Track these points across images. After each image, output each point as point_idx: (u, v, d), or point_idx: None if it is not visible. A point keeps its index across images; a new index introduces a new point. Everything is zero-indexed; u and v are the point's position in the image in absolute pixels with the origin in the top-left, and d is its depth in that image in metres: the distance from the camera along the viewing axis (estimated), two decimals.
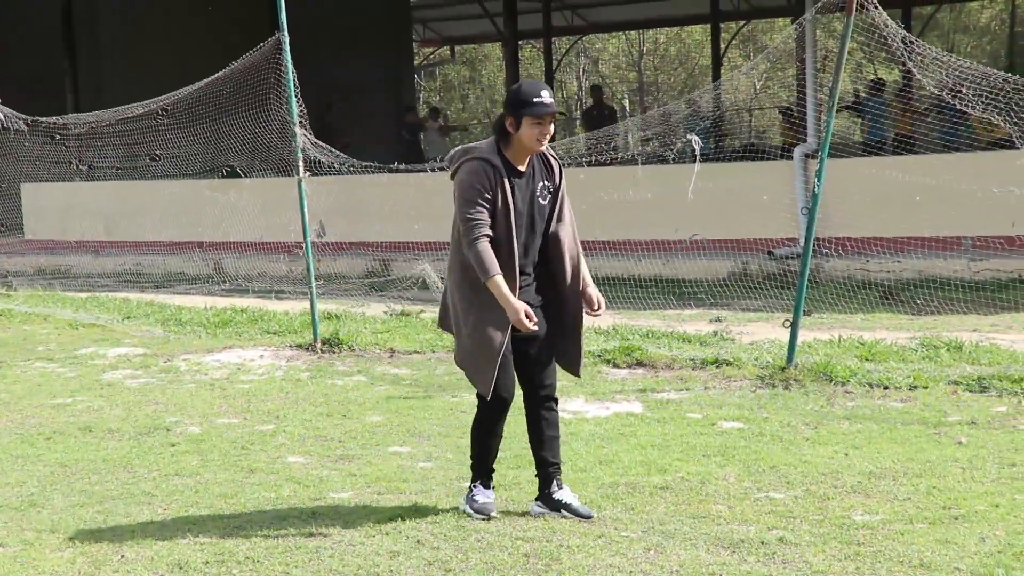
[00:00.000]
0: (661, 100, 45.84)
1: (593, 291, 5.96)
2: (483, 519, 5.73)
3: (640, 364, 9.44)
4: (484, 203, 5.59)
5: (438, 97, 50.27)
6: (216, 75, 12.44)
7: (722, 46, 30.77)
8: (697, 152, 10.70)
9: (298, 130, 11.00)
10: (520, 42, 29.68)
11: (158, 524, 5.84)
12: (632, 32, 44.80)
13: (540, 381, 5.89)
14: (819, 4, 9.28)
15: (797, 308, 8.85)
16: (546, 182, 5.79)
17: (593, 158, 12.13)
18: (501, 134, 5.70)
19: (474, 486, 5.90)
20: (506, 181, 5.62)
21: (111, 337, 11.90)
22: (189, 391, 9.23)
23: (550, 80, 32.18)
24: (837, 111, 9.13)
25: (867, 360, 8.97)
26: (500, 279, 5.54)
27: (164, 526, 5.81)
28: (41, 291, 15.69)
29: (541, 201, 5.76)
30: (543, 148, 5.74)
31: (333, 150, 11.89)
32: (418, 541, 5.46)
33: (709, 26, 31.36)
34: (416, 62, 35.10)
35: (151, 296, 14.90)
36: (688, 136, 10.82)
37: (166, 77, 15.08)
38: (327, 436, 7.60)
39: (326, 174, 12.65)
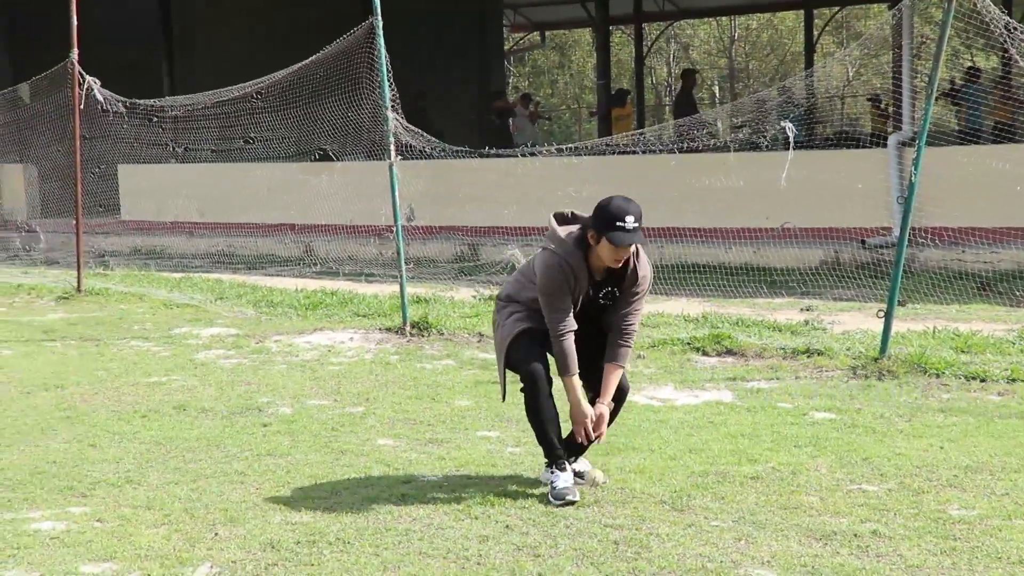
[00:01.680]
0: (752, 87, 45.40)
1: (603, 408, 5.87)
2: (562, 504, 5.72)
3: (730, 352, 9.36)
4: (568, 300, 5.71)
5: (527, 82, 50.24)
6: (309, 59, 12.52)
7: (815, 33, 30.35)
8: (791, 139, 10.55)
9: (390, 114, 11.04)
10: (611, 27, 29.53)
11: (250, 503, 5.90)
12: (724, 18, 44.39)
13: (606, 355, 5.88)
14: None
15: (891, 298, 8.70)
16: (613, 288, 5.81)
17: (685, 144, 12.02)
18: (582, 243, 5.72)
19: (550, 472, 5.93)
20: (579, 284, 5.71)
21: (204, 317, 12.07)
22: (280, 372, 9.32)
23: (640, 67, 32.00)
24: (934, 99, 8.94)
25: (963, 352, 8.79)
26: (576, 380, 5.79)
27: (256, 505, 5.87)
28: (136, 271, 15.96)
29: (601, 301, 5.84)
30: (618, 266, 5.72)
31: (425, 134, 11.90)
32: (507, 526, 5.46)
33: (802, 12, 30.96)
34: (506, 47, 35.07)
35: (243, 277, 15.08)
36: (781, 123, 10.68)
37: (259, 61, 15.21)
38: (416, 419, 7.63)
39: (417, 158, 12.68)
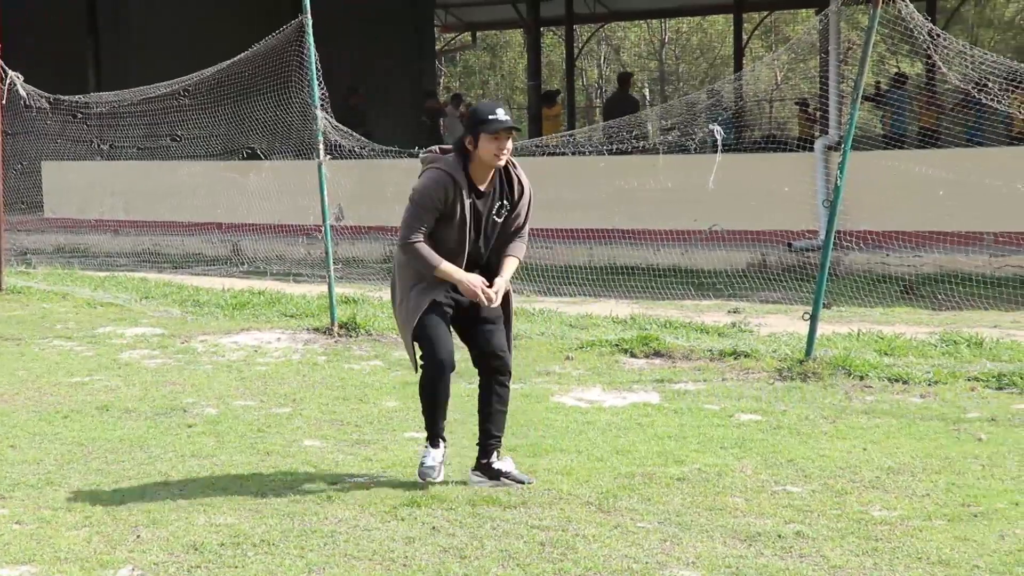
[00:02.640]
0: (682, 90, 45.73)
1: (500, 282, 6.09)
2: (421, 480, 6.06)
3: (658, 354, 9.41)
4: (430, 214, 5.97)
5: (459, 83, 50.20)
6: (238, 56, 12.42)
7: (744, 37, 30.64)
8: (719, 142, 10.65)
9: (319, 113, 10.98)
10: (542, 28, 29.61)
11: (174, 505, 5.84)
12: (654, 21, 44.67)
13: (491, 354, 6.12)
14: None
15: (817, 301, 8.80)
16: (505, 201, 6.09)
17: (615, 147, 12.08)
18: (461, 152, 5.99)
19: (424, 447, 6.21)
20: (464, 196, 5.94)
21: (129, 317, 11.92)
22: (206, 372, 9.23)
23: (571, 68, 32.12)
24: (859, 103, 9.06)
25: (886, 355, 8.92)
26: (446, 265, 5.96)
27: (180, 507, 5.80)
28: (60, 269, 15.72)
29: (496, 218, 6.09)
30: (501, 163, 5.97)
31: (354, 134, 11.87)
32: (433, 528, 5.44)
33: (731, 16, 31.25)
34: (437, 47, 35.03)
35: (169, 276, 14.92)
36: (710, 126, 10.77)
37: (188, 58, 15.07)
38: (343, 420, 7.60)
39: (346, 158, 12.62)
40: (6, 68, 13.80)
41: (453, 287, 6.03)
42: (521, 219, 6.15)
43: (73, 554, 5.18)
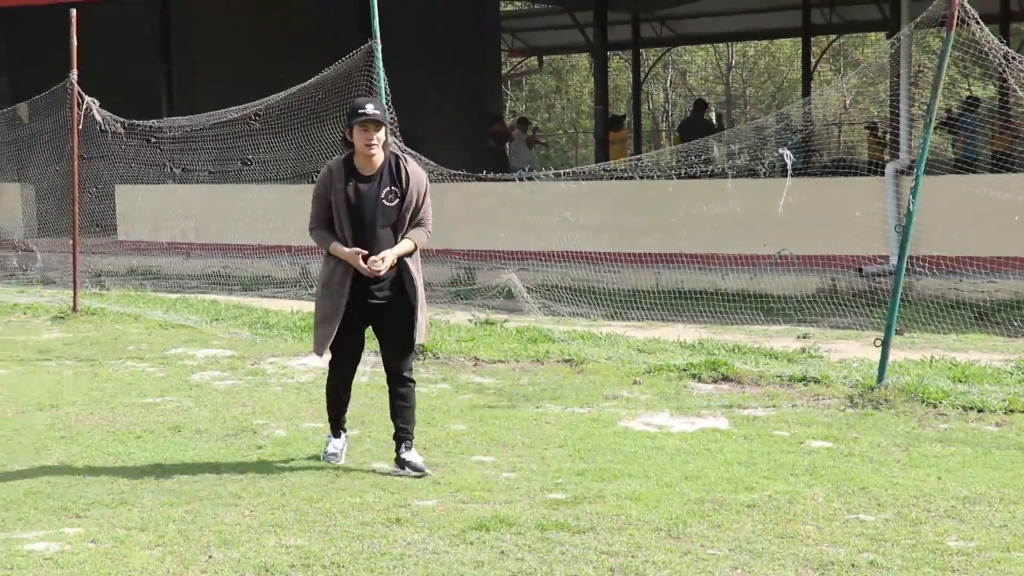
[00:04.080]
0: (749, 114, 45.52)
1: (387, 252, 6.79)
2: (332, 464, 7.00)
3: (726, 379, 9.34)
4: (320, 202, 6.90)
5: (524, 107, 50.34)
6: (308, 81, 12.55)
7: (812, 60, 30.45)
8: (788, 166, 10.57)
9: (389, 137, 11.03)
10: (608, 53, 29.61)
11: (245, 526, 5.88)
12: (721, 44, 44.55)
13: (394, 364, 7.08)
14: (918, 19, 9.12)
15: (889, 326, 8.70)
16: (393, 186, 6.83)
17: (684, 171, 12.04)
18: (346, 144, 6.89)
19: (328, 437, 7.26)
20: (338, 183, 6.80)
21: (200, 338, 12.05)
22: (275, 394, 9.30)
23: (637, 92, 32.10)
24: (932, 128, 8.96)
25: (960, 382, 8.79)
26: (335, 244, 6.82)
27: (251, 528, 5.84)
28: (132, 291, 15.93)
29: (386, 203, 6.82)
30: (374, 152, 6.73)
31: (422, 157, 11.91)
32: (502, 552, 5.43)
33: (799, 40, 31.07)
34: (504, 72, 35.18)
35: (239, 299, 15.06)
36: (780, 150, 10.70)
37: (258, 83, 15.24)
38: None
39: None
40: (83, 94, 14.05)
41: (353, 288, 6.82)
42: (420, 209, 6.90)
43: (147, 574, 5.23)
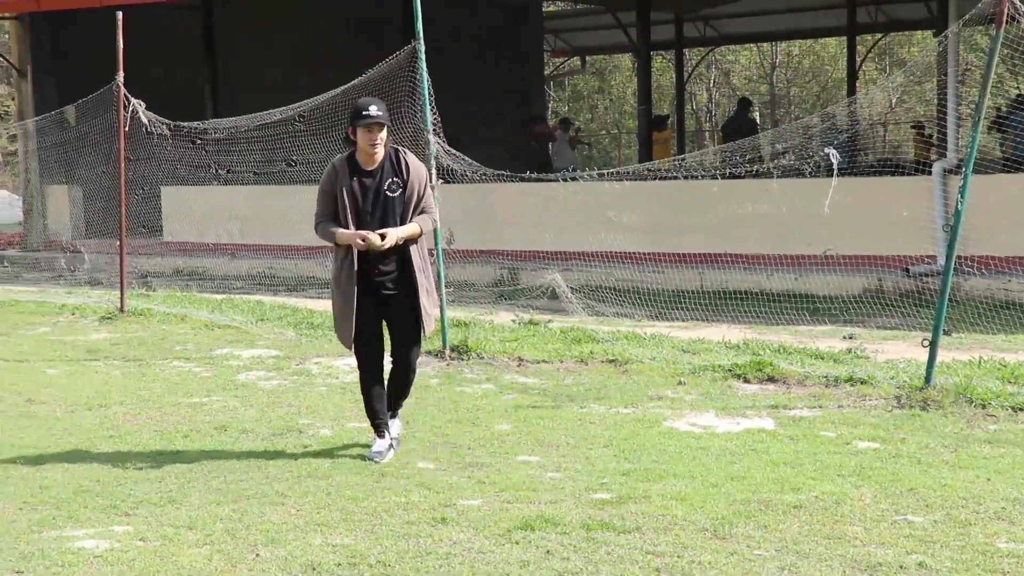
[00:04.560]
0: (793, 114, 45.27)
1: (391, 230, 7.11)
2: (370, 461, 7.16)
3: (771, 380, 9.30)
4: (325, 198, 7.28)
5: (567, 107, 50.32)
6: (352, 82, 12.59)
7: (857, 59, 30.24)
8: (834, 166, 10.50)
9: (432, 138, 11.08)
10: (651, 53, 29.54)
11: (291, 525, 5.92)
12: (765, 44, 44.34)
13: (402, 354, 7.43)
14: (966, 17, 9.03)
15: (936, 327, 8.62)
16: (395, 178, 7.21)
17: (728, 170, 11.99)
18: (348, 142, 7.30)
19: (373, 437, 7.46)
20: (344, 179, 7.19)
21: (245, 339, 12.13)
22: (320, 394, 9.36)
23: (680, 92, 32.01)
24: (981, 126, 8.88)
25: (1009, 382, 8.70)
26: (340, 231, 7.14)
27: (297, 527, 5.88)
28: (179, 292, 16.06)
29: (389, 193, 7.19)
30: (376, 151, 7.14)
31: (466, 158, 11.93)
32: (548, 551, 5.44)
33: (844, 39, 30.87)
34: (546, 72, 35.17)
35: (284, 299, 15.15)
36: (825, 150, 10.63)
37: (302, 85, 15.32)
38: (456, 443, 7.64)
39: (458, 182, 12.71)
40: (129, 96, 14.17)
41: (362, 281, 7.15)
42: (423, 199, 7.27)
43: (195, 572, 5.28)
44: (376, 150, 7.16)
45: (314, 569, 5.28)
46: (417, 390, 9.32)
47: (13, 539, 5.76)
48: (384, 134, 7.17)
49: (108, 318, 13.77)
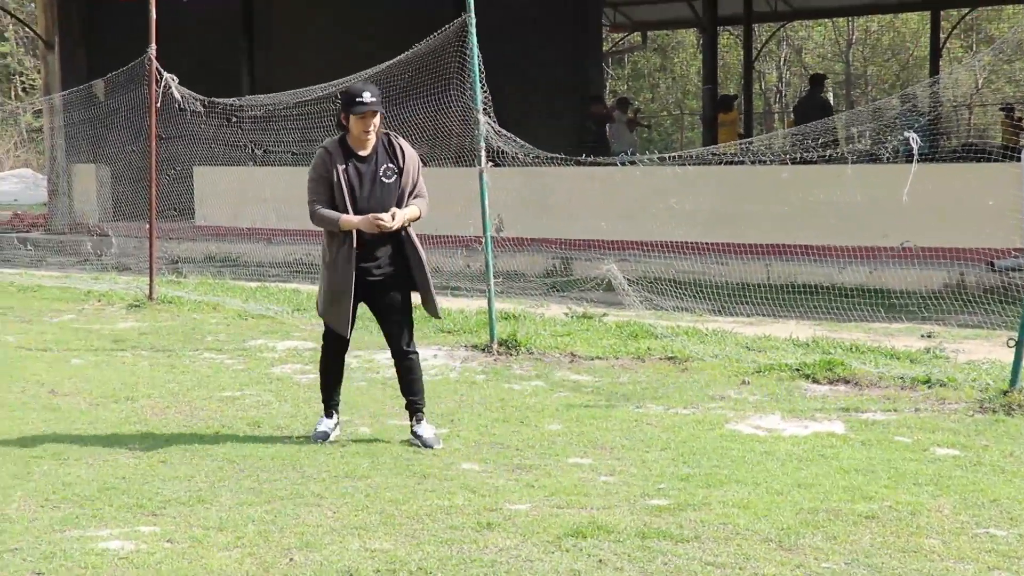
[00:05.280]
0: (870, 94, 44.91)
1: (397, 211, 7.47)
2: (318, 443, 7.61)
3: (843, 380, 9.25)
4: (320, 183, 7.58)
5: (626, 86, 50.20)
6: (398, 57, 12.62)
7: (941, 36, 29.94)
8: (914, 151, 10.40)
9: (481, 117, 11.08)
10: (718, 28, 29.41)
11: (327, 528, 5.95)
12: (841, 20, 43.99)
13: (398, 340, 7.76)
14: None
15: (1023, 326, 8.53)
16: (390, 164, 7.59)
17: (799, 155, 11.91)
18: (340, 127, 7.62)
19: (321, 416, 7.91)
20: (339, 163, 7.51)
21: (280, 329, 12.21)
22: (359, 389, 9.40)
23: (748, 70, 31.84)
24: None
25: None
26: (344, 217, 7.46)
27: (333, 530, 5.91)
28: (211, 279, 16.19)
29: (385, 179, 7.56)
30: (370, 138, 7.50)
31: (517, 139, 11.92)
32: (600, 560, 5.44)
33: (927, 13, 30.58)
34: (605, 48, 35.08)
35: None
36: (905, 134, 10.54)
37: (343, 61, 15.38)
38: (503, 443, 7.65)
39: (509, 165, 12.72)
40: (161, 70, 14.28)
41: (357, 269, 7.48)
42: (416, 184, 7.63)
43: None
44: (369, 137, 7.53)
45: (351, 574, 5.31)
46: (462, 387, 9.37)
47: (34, 538, 5.83)
48: (377, 120, 7.52)
49: (136, 306, 13.91)
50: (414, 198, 7.65)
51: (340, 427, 7.92)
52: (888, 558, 5.42)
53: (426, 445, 7.56)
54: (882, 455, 7.21)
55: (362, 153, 7.57)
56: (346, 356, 8.03)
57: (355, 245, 7.46)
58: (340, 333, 7.65)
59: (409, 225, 7.64)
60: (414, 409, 7.77)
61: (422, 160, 7.90)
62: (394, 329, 7.78)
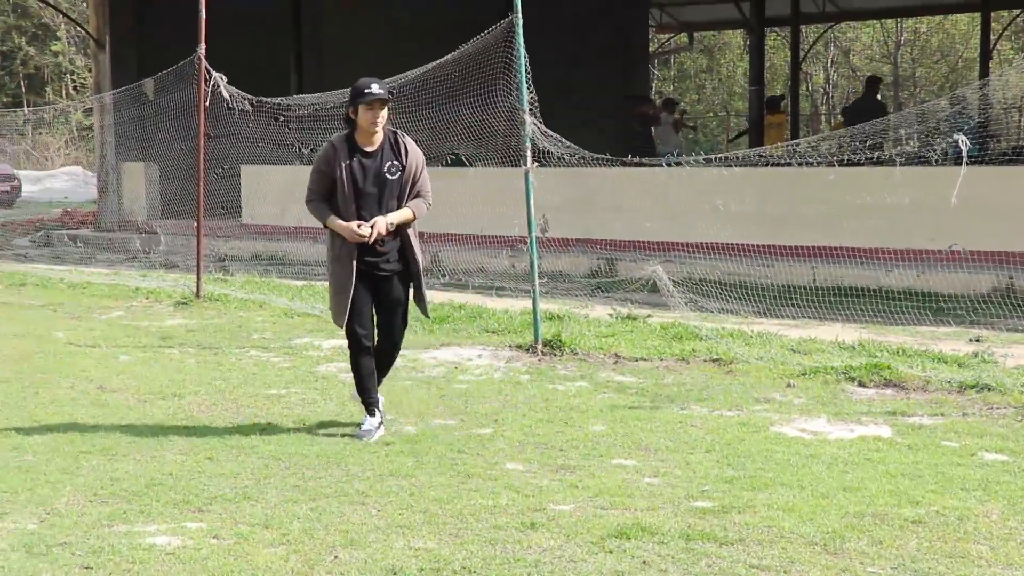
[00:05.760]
0: (918, 96, 44.58)
1: (380, 219, 7.70)
2: (360, 438, 7.73)
3: (889, 384, 9.19)
4: (321, 177, 7.79)
5: (672, 87, 50.07)
6: (445, 57, 12.64)
7: (992, 37, 29.65)
8: (964, 154, 10.31)
9: (528, 118, 11.08)
10: (765, 29, 29.25)
11: (372, 526, 5.97)
12: (889, 21, 43.68)
13: (391, 334, 8.06)
14: None
15: None
16: (395, 160, 7.78)
17: (846, 157, 11.83)
18: (348, 122, 7.80)
19: (364, 416, 7.98)
20: (343, 159, 7.69)
21: (326, 328, 12.24)
22: (404, 388, 9.42)
23: (796, 71, 31.66)
24: None
25: None
26: (333, 218, 7.74)
27: (378, 528, 5.93)
28: (257, 277, 16.28)
29: (389, 176, 7.75)
30: (377, 129, 7.69)
31: (563, 140, 11.91)
32: (644, 562, 5.43)
33: (978, 15, 30.30)
34: (651, 49, 35.00)
35: None
36: (954, 136, 10.45)
37: (390, 61, 15.40)
38: (547, 443, 7.64)
39: (554, 165, 12.72)
40: (211, 69, 14.36)
41: (359, 261, 7.69)
42: (418, 182, 7.83)
43: (271, 573, 5.35)
44: (377, 128, 7.71)
45: (395, 573, 5.32)
46: (507, 387, 9.38)
47: (83, 533, 5.89)
48: (385, 113, 7.72)
49: (183, 303, 14.01)
50: (414, 196, 7.85)
51: (384, 426, 7.95)
52: (935, 563, 5.38)
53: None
54: (929, 459, 7.16)
55: (368, 149, 7.78)
56: (371, 350, 8.06)
57: (356, 244, 7.72)
58: (337, 325, 7.92)
59: (409, 225, 7.87)
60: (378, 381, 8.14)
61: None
62: (393, 320, 8.02)
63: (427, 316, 8.42)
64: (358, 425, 7.94)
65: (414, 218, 7.88)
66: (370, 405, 7.96)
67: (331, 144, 7.81)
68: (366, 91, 7.65)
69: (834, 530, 5.82)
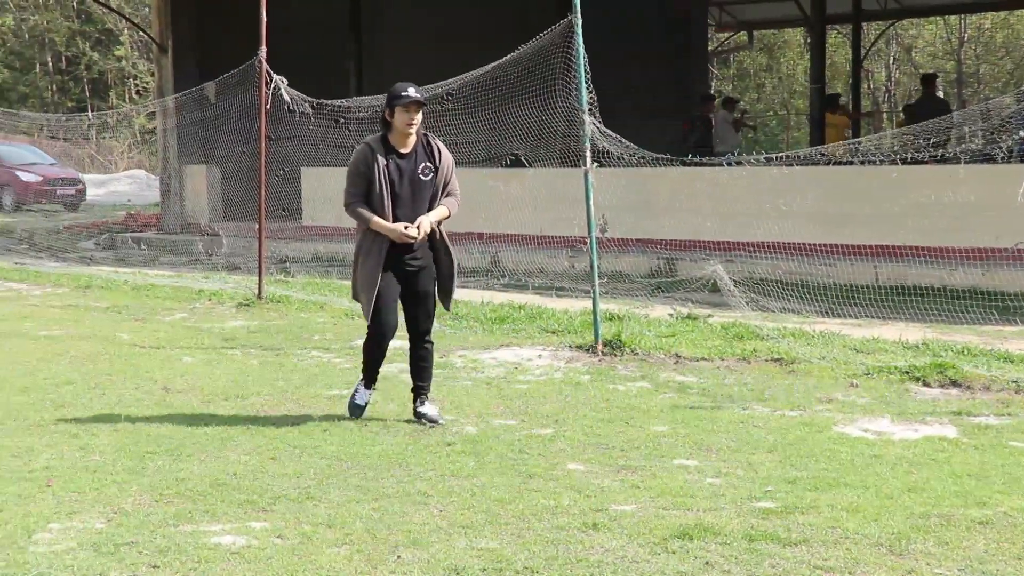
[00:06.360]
0: (982, 93, 44.08)
1: (423, 218, 8.01)
2: (349, 411, 8.34)
3: (954, 384, 9.10)
4: (359, 178, 8.00)
5: (731, 86, 49.82)
6: (504, 58, 12.66)
7: None
8: None
9: (587, 118, 11.07)
10: (826, 27, 29.03)
11: (434, 526, 5.99)
12: (952, 17, 43.21)
13: (420, 327, 8.32)
14: None
15: None
16: (428, 162, 8.07)
17: (909, 155, 11.72)
18: (384, 124, 8.04)
19: (359, 384, 8.49)
20: (380, 159, 7.93)
21: None
22: (465, 389, 9.44)
23: (857, 69, 31.41)
24: None
25: None
26: (377, 219, 7.96)
27: (440, 528, 5.95)
28: (318, 278, 16.38)
29: (423, 177, 8.05)
30: (412, 132, 7.95)
31: (623, 140, 11.89)
32: (707, 563, 5.41)
33: None
34: (710, 48, 34.83)
35: None
36: (1021, 134, 10.33)
37: (448, 62, 15.46)
38: (608, 444, 7.63)
39: (613, 165, 12.70)
40: (271, 72, 14.47)
41: (389, 256, 7.96)
42: (450, 182, 8.15)
43: (334, 572, 5.38)
44: (412, 130, 7.98)
45: (458, 573, 5.34)
46: (567, 387, 9.38)
47: (150, 532, 5.95)
48: (420, 116, 8.00)
49: (245, 305, 14.12)
50: (446, 196, 8.17)
51: (368, 400, 8.49)
52: (1003, 564, 5.32)
53: (431, 421, 8.17)
54: (996, 460, 7.08)
55: (403, 151, 8.03)
56: (391, 342, 8.40)
57: (387, 242, 7.99)
58: (366, 316, 8.11)
59: (440, 223, 8.18)
60: (420, 393, 8.34)
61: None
62: (420, 314, 8.29)
63: (448, 310, 8.63)
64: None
65: (448, 216, 8.20)
66: (370, 380, 8.44)
67: (367, 145, 8.03)
68: (403, 94, 7.90)
69: (899, 531, 5.77)
